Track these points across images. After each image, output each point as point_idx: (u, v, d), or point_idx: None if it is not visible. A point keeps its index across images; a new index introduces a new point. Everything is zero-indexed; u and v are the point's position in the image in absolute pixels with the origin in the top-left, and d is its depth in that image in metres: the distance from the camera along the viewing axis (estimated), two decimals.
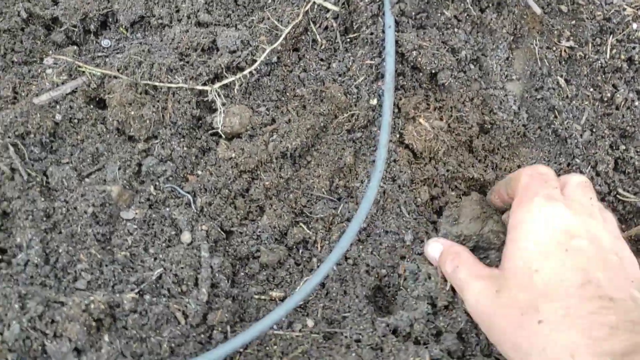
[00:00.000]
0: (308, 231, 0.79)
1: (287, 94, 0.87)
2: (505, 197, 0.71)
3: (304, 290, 0.65)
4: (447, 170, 0.83)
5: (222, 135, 0.83)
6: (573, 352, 0.51)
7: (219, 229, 0.78)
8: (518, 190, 0.65)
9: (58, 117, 0.80)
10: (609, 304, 0.53)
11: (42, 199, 0.70)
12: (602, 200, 0.82)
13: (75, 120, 0.81)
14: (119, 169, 0.77)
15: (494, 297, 0.59)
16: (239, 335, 0.63)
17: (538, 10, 0.82)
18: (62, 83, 0.83)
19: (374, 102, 0.83)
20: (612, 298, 0.53)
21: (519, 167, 0.86)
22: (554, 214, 0.60)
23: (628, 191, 0.82)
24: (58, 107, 0.81)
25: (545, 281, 0.56)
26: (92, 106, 0.84)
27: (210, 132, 0.85)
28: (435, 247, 0.72)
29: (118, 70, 0.84)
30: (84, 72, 0.85)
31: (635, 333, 0.51)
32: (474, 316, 0.64)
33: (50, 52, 0.89)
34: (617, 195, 0.82)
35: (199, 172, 0.82)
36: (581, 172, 0.81)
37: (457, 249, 0.70)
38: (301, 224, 0.81)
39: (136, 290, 0.67)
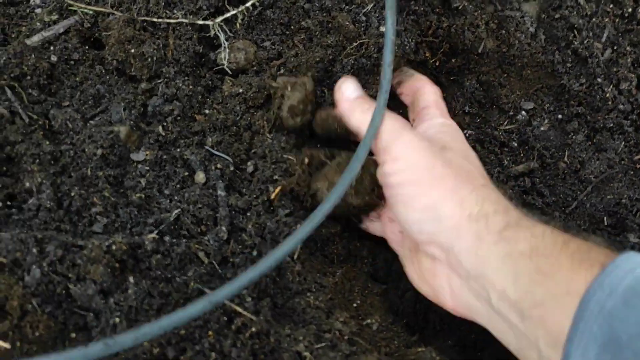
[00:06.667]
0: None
1: (292, 26, 0.83)
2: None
3: (317, 216, 0.61)
4: None
5: (228, 71, 0.79)
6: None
7: (233, 167, 0.75)
8: (437, 103, 0.73)
9: (54, 59, 0.75)
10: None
11: (47, 142, 0.66)
12: (625, 119, 0.80)
13: (72, 62, 0.77)
14: (124, 109, 0.73)
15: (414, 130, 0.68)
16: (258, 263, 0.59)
17: None
18: (54, 23, 0.78)
19: (384, 28, 0.79)
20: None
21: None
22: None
23: None
24: (52, 48, 0.76)
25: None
26: (87, 46, 0.79)
27: (214, 69, 0.80)
28: (355, 88, 0.72)
29: (112, 7, 0.79)
30: (75, 10, 0.80)
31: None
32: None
33: None
34: None
35: (206, 111, 0.78)
36: (603, 91, 0.79)
37: None
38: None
39: (155, 232, 0.64)
